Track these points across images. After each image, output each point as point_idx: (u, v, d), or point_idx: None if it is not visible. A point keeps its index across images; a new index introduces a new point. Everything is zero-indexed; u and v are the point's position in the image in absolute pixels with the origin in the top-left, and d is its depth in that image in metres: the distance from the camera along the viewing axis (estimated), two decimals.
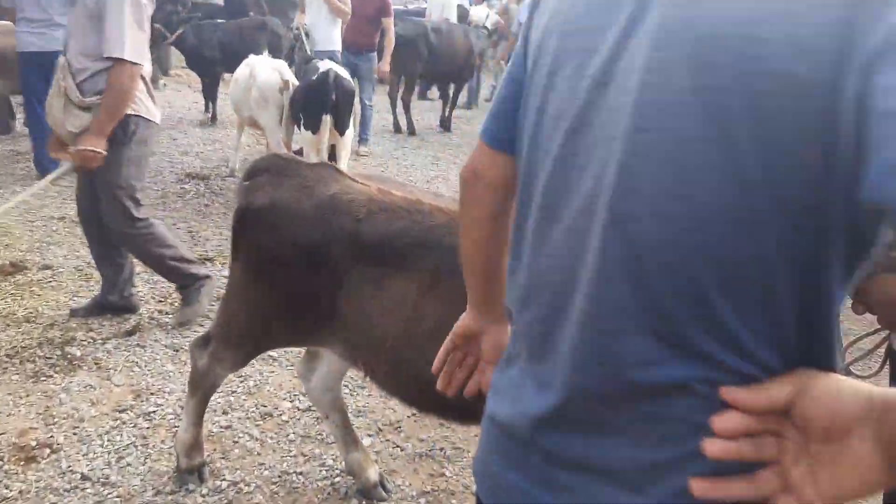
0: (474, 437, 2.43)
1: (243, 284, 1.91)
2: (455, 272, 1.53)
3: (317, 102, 4.63)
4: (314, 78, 4.63)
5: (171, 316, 3.45)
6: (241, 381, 2.91)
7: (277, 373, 3.02)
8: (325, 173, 1.87)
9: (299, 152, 5.26)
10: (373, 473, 2.31)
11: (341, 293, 1.73)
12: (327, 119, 4.63)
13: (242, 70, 5.24)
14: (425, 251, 1.65)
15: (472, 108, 10.55)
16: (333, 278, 1.73)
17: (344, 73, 4.75)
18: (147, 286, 3.73)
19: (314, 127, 4.69)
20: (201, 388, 2.22)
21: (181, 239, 4.39)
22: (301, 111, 4.73)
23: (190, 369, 2.24)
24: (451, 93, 8.82)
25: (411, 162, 7.09)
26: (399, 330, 1.67)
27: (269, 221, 1.81)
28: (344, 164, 4.86)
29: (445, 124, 8.84)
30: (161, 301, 3.61)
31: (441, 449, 2.62)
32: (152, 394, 2.80)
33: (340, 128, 4.75)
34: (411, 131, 8.24)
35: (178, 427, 2.55)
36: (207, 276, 3.32)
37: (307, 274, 1.77)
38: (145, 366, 3.00)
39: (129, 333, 3.25)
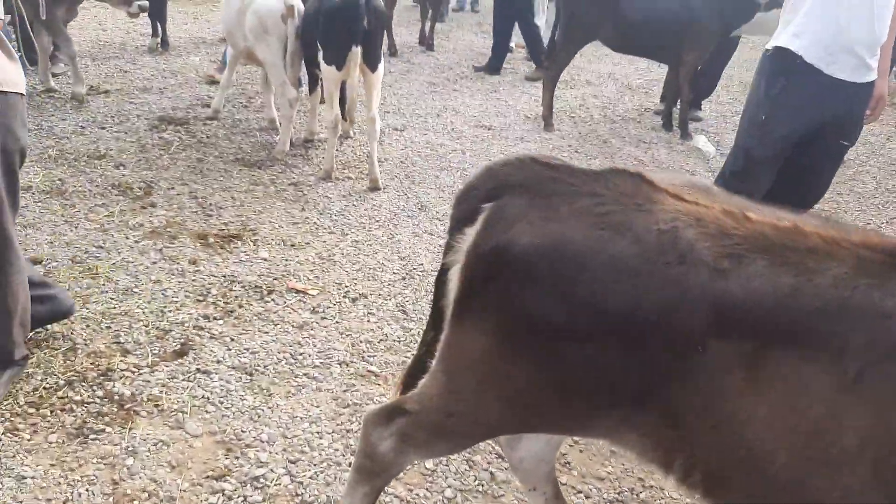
0: None
1: (490, 357, 1.27)
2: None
3: (344, 30, 3.75)
4: (337, 0, 3.72)
5: (223, 322, 2.73)
6: None
7: None
8: (627, 186, 1.21)
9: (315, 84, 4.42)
10: None
11: (676, 377, 1.14)
12: (357, 51, 3.77)
13: None
14: (839, 320, 1.06)
15: (444, 20, 9.53)
16: (666, 358, 1.13)
17: None
18: (175, 279, 2.96)
19: (339, 61, 3.83)
20: (378, 478, 1.60)
21: (192, 210, 3.57)
22: (323, 41, 3.84)
23: (359, 449, 1.61)
24: (429, 6, 7.85)
25: (407, 90, 6.23)
26: (798, 444, 1.10)
27: (547, 273, 1.16)
28: (376, 108, 4.04)
29: (427, 42, 7.92)
30: (203, 300, 2.86)
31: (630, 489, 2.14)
32: (248, 445, 2.16)
33: (372, 62, 3.91)
34: (393, 52, 7.30)
35: (302, 496, 1.95)
36: (25, 359, 2.29)
37: (618, 351, 1.15)
38: (220, 402, 2.32)
39: (180, 354, 2.53)
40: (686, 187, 1.22)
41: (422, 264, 3.33)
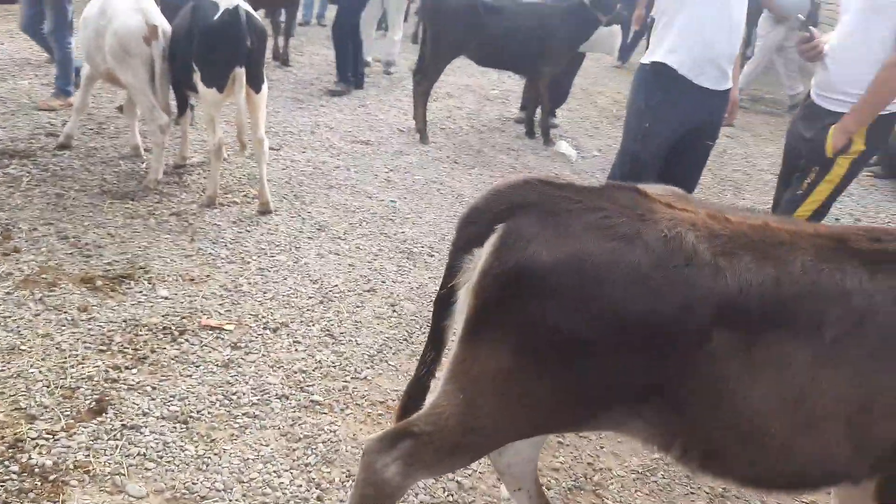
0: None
1: (512, 372, 1.33)
2: (862, 322, 1.21)
3: (225, 51, 3.58)
4: (216, 18, 3.55)
5: (137, 370, 2.51)
6: None
7: None
8: (626, 198, 1.33)
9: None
10: None
11: (687, 371, 1.28)
12: (242, 72, 3.63)
13: (91, 7, 3.85)
14: (817, 301, 1.27)
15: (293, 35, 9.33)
16: (675, 354, 1.27)
17: (251, 10, 3.71)
18: (67, 330, 2.66)
19: (221, 83, 3.66)
20: None
21: (67, 252, 3.23)
22: (201, 62, 3.64)
23: (360, 480, 1.58)
24: (282, 21, 7.68)
25: (273, 108, 6.01)
26: (786, 409, 1.28)
27: (569, 287, 1.24)
28: (263, 129, 3.90)
29: (282, 57, 7.73)
30: (107, 350, 2.61)
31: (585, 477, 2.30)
32: (203, 497, 2.03)
33: (256, 82, 3.77)
34: None
35: None
36: None
37: (635, 351, 1.27)
38: (159, 457, 2.15)
39: (97, 412, 2.30)
40: (670, 196, 1.37)
41: (336, 286, 3.29)
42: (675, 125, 3.01)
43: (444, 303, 1.47)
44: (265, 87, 3.86)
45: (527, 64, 5.60)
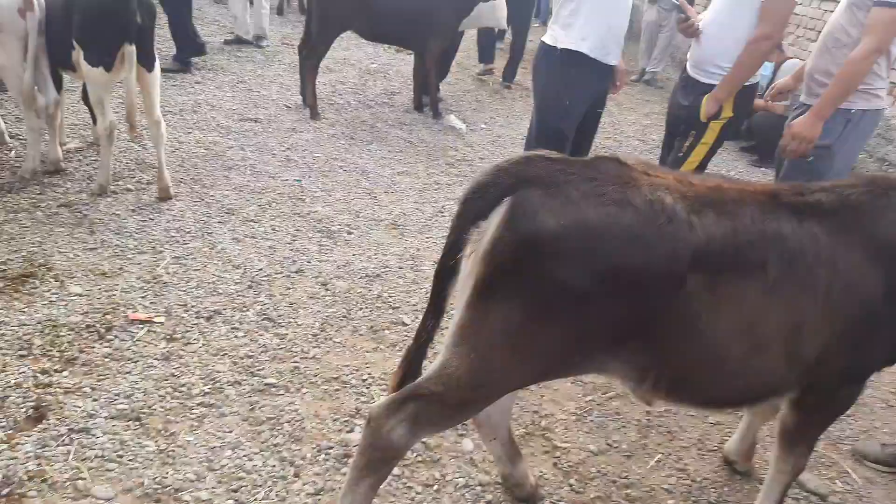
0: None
1: (522, 327, 1.47)
2: (794, 260, 1.51)
3: (113, 27, 3.32)
4: None
5: (69, 373, 2.38)
6: None
7: None
8: (612, 168, 1.51)
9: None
10: (533, 479, 2.16)
11: (666, 312, 1.50)
12: (132, 50, 3.39)
13: None
14: (762, 246, 1.54)
15: None
16: (661, 298, 1.48)
17: None
18: None
19: (108, 61, 3.40)
20: (387, 466, 1.71)
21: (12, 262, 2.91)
22: (85, 39, 3.35)
23: (366, 446, 1.67)
24: None
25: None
26: (740, 336, 1.55)
27: (574, 248, 1.41)
28: (158, 110, 3.68)
29: None
30: (28, 354, 2.43)
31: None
32: (178, 490, 2.01)
33: (149, 61, 3.53)
34: None
35: None
36: None
37: (627, 301, 1.46)
38: (119, 456, 2.08)
39: (37, 419, 2.17)
40: (643, 164, 1.58)
41: (261, 269, 3.24)
42: (588, 99, 3.32)
43: (446, 273, 1.58)
44: (157, 64, 3.64)
45: (414, 39, 5.68)
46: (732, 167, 6.16)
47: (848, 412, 2.84)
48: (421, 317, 3.01)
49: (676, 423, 2.67)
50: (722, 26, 3.16)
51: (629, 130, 6.72)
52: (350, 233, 3.77)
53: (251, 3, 7.21)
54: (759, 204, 1.58)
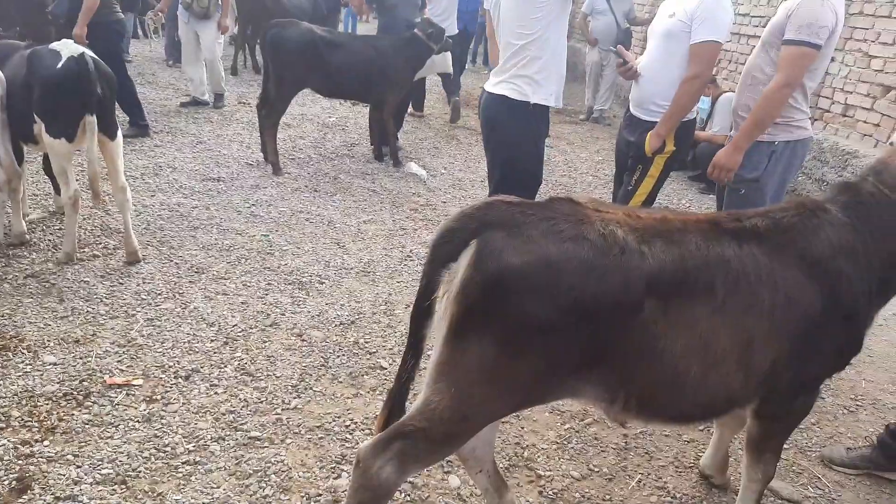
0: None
1: (497, 360, 1.56)
2: (739, 281, 1.66)
3: (74, 99, 3.40)
4: (60, 66, 3.36)
5: (50, 441, 2.36)
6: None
7: None
8: (565, 207, 1.64)
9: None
10: None
11: (627, 336, 1.62)
12: (93, 120, 3.46)
13: None
14: (709, 270, 1.68)
15: None
16: (622, 323, 1.60)
17: (96, 56, 3.54)
18: None
19: (70, 132, 3.46)
20: None
21: None
22: (46, 113, 3.41)
23: (357, 487, 1.73)
24: None
25: None
26: (697, 354, 1.68)
27: (538, 283, 1.52)
28: (122, 176, 3.74)
29: None
30: (6, 427, 2.41)
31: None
32: None
33: (111, 130, 3.61)
34: None
35: None
36: None
37: (591, 328, 1.57)
38: None
39: (22, 490, 2.15)
40: (592, 201, 1.72)
41: (236, 325, 3.28)
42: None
43: (422, 314, 1.67)
44: (119, 133, 3.71)
45: (371, 93, 5.88)
46: (683, 196, 6.45)
47: (812, 420, 3.01)
48: (399, 359, 3.10)
49: (653, 443, 2.78)
50: (657, 69, 3.41)
51: (582, 167, 6.99)
52: (322, 283, 3.83)
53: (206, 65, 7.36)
54: (702, 231, 1.73)
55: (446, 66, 6.22)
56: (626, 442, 2.75)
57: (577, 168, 6.92)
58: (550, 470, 2.54)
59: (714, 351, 1.70)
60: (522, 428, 2.75)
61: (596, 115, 9.22)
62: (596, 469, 2.58)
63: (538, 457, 2.61)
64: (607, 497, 2.44)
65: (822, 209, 1.93)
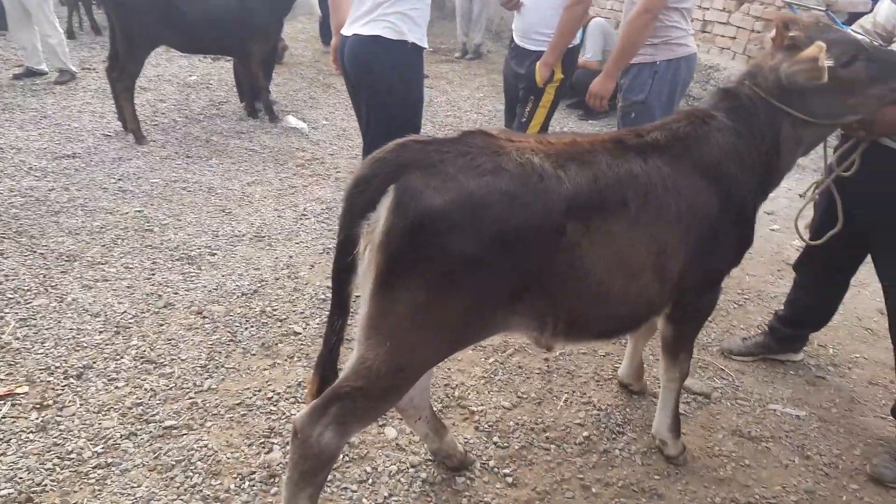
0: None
1: (429, 304, 1.50)
2: (648, 193, 1.70)
3: None
4: None
5: None
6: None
7: None
8: (482, 141, 1.57)
9: None
10: (460, 447, 2.25)
11: (553, 260, 1.61)
12: None
13: None
14: (621, 186, 1.69)
15: None
16: (547, 249, 1.58)
17: None
18: None
19: None
20: (322, 472, 1.68)
21: None
22: None
23: (298, 457, 1.64)
24: None
25: None
26: (618, 268, 1.70)
27: (462, 220, 1.45)
28: None
29: None
30: None
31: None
32: None
33: None
34: None
35: None
36: None
37: (518, 257, 1.54)
38: None
39: None
40: (503, 132, 1.67)
41: (126, 312, 3.00)
42: None
43: (343, 271, 1.57)
44: None
45: (235, 45, 5.45)
46: (564, 124, 6.60)
47: (709, 318, 3.23)
48: (312, 322, 2.98)
49: (573, 362, 2.87)
50: None
51: (465, 105, 6.95)
52: (213, 254, 3.58)
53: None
54: (609, 150, 1.73)
55: (311, 6, 5.85)
56: (548, 366, 2.83)
57: (460, 107, 6.87)
58: (482, 404, 2.57)
59: (633, 263, 1.74)
60: (449, 369, 2.75)
61: (471, 51, 9.15)
62: (524, 396, 2.64)
63: (468, 394, 2.63)
64: (539, 420, 2.51)
65: (709, 116, 1.99)
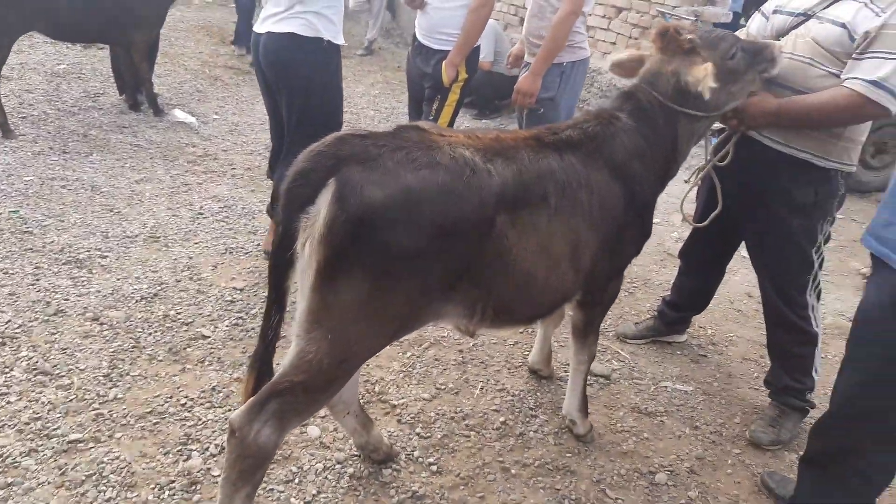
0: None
1: (371, 296, 1.52)
2: (565, 188, 1.85)
3: None
4: None
5: None
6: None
7: None
8: (416, 135, 1.61)
9: None
10: (386, 440, 2.29)
11: (484, 251, 1.69)
12: None
13: None
14: (541, 181, 1.80)
15: None
16: (480, 240, 1.66)
17: None
18: None
19: None
20: (260, 470, 1.67)
21: None
22: None
23: (235, 457, 1.61)
24: None
25: None
26: (541, 258, 1.81)
27: (402, 213, 1.49)
28: None
29: None
30: None
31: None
32: None
33: None
34: None
35: None
36: None
37: (455, 248, 1.60)
38: None
39: None
40: (434, 127, 1.72)
41: (10, 321, 2.76)
42: None
43: (283, 266, 1.56)
44: None
45: (115, 33, 5.10)
46: (460, 123, 6.72)
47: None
48: (219, 325, 2.89)
49: (485, 352, 2.99)
50: None
51: (361, 102, 6.93)
52: (104, 257, 3.37)
53: None
54: (530, 147, 1.85)
55: None
56: (462, 357, 2.93)
57: (356, 104, 6.83)
58: (403, 397, 2.62)
59: (553, 253, 1.87)
60: (368, 365, 2.77)
61: (364, 47, 9.10)
62: (442, 387, 2.72)
63: (389, 388, 2.67)
64: (458, 409, 2.60)
65: (615, 117, 2.16)
